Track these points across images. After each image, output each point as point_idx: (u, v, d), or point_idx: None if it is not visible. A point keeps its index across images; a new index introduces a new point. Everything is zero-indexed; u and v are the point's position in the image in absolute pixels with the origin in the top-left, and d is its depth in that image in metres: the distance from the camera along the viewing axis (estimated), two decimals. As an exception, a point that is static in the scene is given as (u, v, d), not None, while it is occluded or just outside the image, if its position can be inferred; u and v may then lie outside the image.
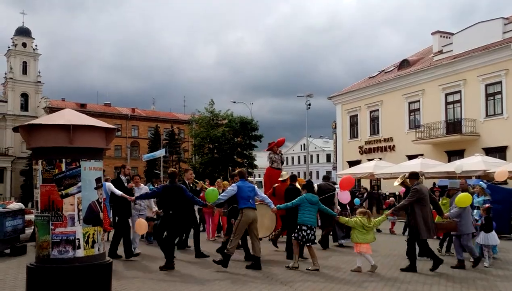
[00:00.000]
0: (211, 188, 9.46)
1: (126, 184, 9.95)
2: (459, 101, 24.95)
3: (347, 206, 13.05)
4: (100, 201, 5.57)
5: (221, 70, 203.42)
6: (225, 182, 12.55)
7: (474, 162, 18.17)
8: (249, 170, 38.25)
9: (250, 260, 8.57)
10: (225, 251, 8.16)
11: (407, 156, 26.06)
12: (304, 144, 69.98)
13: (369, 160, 28.43)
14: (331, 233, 11.65)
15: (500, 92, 22.98)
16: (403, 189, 11.29)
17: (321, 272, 8.06)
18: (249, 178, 14.07)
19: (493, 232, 8.98)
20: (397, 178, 10.50)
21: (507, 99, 22.54)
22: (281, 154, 11.92)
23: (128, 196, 9.33)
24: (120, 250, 9.43)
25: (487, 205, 9.78)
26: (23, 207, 11.73)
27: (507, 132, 22.19)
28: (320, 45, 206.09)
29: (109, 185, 9.46)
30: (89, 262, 5.33)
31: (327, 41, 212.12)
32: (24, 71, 60.56)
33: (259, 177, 49.21)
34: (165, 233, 8.54)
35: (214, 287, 6.88)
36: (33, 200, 5.68)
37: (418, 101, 27.50)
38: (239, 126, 37.97)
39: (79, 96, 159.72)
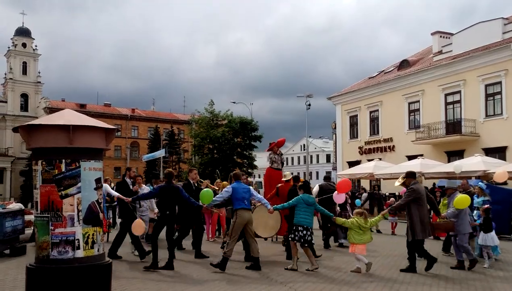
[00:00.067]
0: (205, 189, 9.39)
1: (131, 187, 9.95)
2: (459, 101, 24.96)
3: (348, 207, 13.05)
4: (100, 201, 5.57)
5: (221, 71, 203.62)
6: (224, 182, 12.55)
7: (474, 162, 18.18)
8: (249, 170, 38.22)
9: (250, 260, 8.57)
10: (222, 254, 8.14)
11: (406, 156, 26.06)
12: (304, 145, 69.99)
13: (369, 160, 28.45)
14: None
15: (500, 93, 22.98)
16: (404, 189, 11.27)
17: (321, 272, 8.05)
18: (248, 179, 14.08)
19: (492, 233, 8.96)
20: (397, 178, 10.49)
21: (506, 99, 22.54)
22: (281, 154, 11.92)
23: (124, 197, 9.33)
24: (120, 251, 9.43)
25: (486, 206, 9.76)
26: (23, 207, 11.70)
27: (507, 132, 22.19)
28: (320, 45, 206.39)
29: (106, 186, 9.44)
30: (89, 262, 5.32)
31: (327, 42, 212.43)
32: (24, 72, 60.49)
33: (259, 177, 49.21)
34: (166, 233, 8.54)
35: (214, 288, 6.88)
36: (32, 200, 5.68)
37: (418, 101, 27.51)
38: (239, 126, 37.91)
39: (79, 97, 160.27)
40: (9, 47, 60.26)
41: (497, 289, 7.01)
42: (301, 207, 8.31)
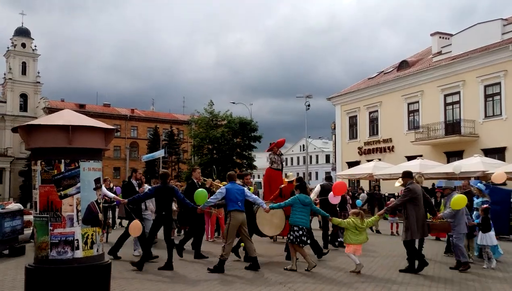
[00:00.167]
0: (200, 189, 9.27)
1: (137, 188, 9.91)
2: (458, 102, 24.97)
3: (348, 207, 13.05)
4: (99, 201, 5.57)
5: (221, 71, 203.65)
6: (224, 182, 12.52)
7: (473, 163, 18.17)
8: (248, 171, 38.20)
9: (249, 261, 8.56)
10: (219, 256, 8.12)
11: (406, 157, 26.05)
12: (304, 145, 70.05)
13: (368, 161, 28.47)
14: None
15: (499, 93, 22.99)
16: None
17: (321, 272, 8.05)
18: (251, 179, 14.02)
19: (491, 233, 8.92)
20: (396, 179, 10.50)
21: (506, 100, 22.55)
22: (281, 155, 11.92)
23: (120, 199, 9.29)
24: (120, 251, 9.42)
25: (485, 206, 9.76)
26: (22, 207, 11.69)
27: (506, 133, 22.20)
28: (320, 46, 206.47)
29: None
30: (88, 263, 5.32)
31: (326, 42, 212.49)
32: (23, 72, 60.46)
33: (259, 177, 49.22)
34: (164, 234, 8.53)
35: (213, 288, 6.87)
36: (32, 200, 5.67)
37: (417, 102, 27.52)
38: (238, 127, 37.92)
39: (78, 97, 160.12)
40: (8, 47, 60.24)
41: (496, 290, 7.01)
42: (297, 207, 8.31)
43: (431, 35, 29.07)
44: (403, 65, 30.27)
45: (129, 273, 7.91)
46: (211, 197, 8.61)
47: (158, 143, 53.09)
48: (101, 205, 5.64)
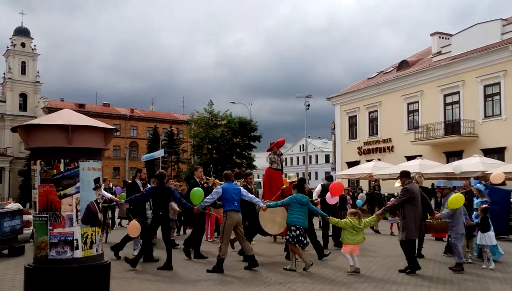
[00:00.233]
0: (196, 188, 9.11)
1: (142, 188, 9.87)
2: (458, 102, 24.98)
3: (348, 207, 13.05)
4: (98, 201, 5.56)
5: (221, 71, 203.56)
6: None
7: (473, 163, 18.17)
8: (248, 171, 38.18)
9: (248, 260, 8.56)
10: (217, 257, 8.12)
11: (405, 157, 26.05)
12: (303, 145, 70.03)
13: (368, 161, 28.44)
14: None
15: (499, 93, 23.00)
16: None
17: (321, 272, 8.06)
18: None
19: (490, 233, 8.92)
20: (396, 178, 10.50)
21: (505, 100, 22.56)
22: (281, 155, 11.91)
23: (117, 199, 9.27)
24: (120, 252, 9.41)
25: (484, 205, 9.76)
26: (21, 207, 11.69)
27: (506, 133, 22.21)
28: (319, 46, 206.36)
29: None
30: (87, 262, 5.31)
31: (326, 42, 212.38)
32: (23, 71, 60.44)
33: (258, 177, 49.20)
34: (162, 234, 8.53)
35: (212, 288, 6.87)
36: (31, 200, 5.66)
37: (417, 102, 27.53)
38: (238, 127, 37.89)
39: (78, 97, 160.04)
40: (8, 47, 60.21)
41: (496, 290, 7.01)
42: (294, 207, 8.31)
43: (431, 35, 29.08)
44: (403, 65, 30.28)
45: (129, 273, 7.91)
46: (208, 197, 8.53)
47: (157, 143, 53.10)
48: (100, 205, 5.63)
